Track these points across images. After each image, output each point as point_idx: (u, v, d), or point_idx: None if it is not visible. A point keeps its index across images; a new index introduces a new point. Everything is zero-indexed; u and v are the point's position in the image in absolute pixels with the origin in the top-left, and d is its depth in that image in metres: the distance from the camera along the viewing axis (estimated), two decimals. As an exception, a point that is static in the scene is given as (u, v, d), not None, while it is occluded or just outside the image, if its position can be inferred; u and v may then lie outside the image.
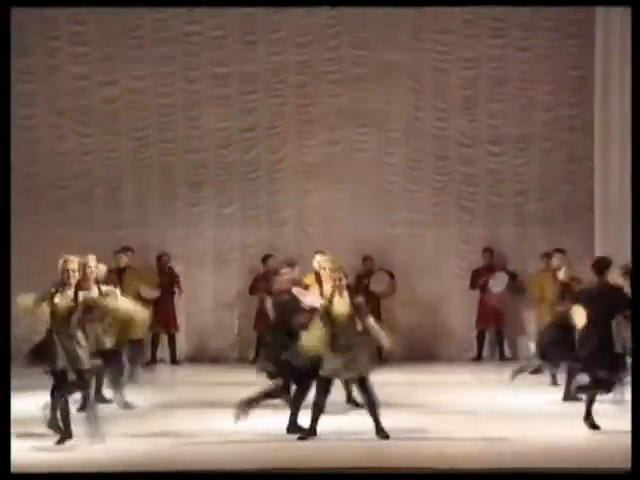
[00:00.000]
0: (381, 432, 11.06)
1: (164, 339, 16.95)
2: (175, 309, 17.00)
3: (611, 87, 16.79)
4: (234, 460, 10.36)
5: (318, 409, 11.01)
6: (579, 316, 11.62)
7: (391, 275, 16.38)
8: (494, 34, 17.47)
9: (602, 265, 11.75)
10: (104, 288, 11.87)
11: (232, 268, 17.52)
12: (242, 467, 10.03)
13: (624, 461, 9.86)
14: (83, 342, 10.85)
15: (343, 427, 11.77)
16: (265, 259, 16.70)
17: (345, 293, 11.05)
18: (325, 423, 11.43)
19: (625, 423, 10.91)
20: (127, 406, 12.75)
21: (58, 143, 17.54)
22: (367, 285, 16.02)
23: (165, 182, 17.62)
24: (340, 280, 11.04)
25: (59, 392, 10.83)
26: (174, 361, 16.89)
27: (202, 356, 17.37)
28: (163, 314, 16.39)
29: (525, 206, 17.68)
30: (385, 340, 11.00)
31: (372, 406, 11.05)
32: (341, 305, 11.02)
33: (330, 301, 11.06)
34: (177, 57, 17.49)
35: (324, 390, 11.03)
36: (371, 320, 11.04)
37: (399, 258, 17.16)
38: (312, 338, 11.21)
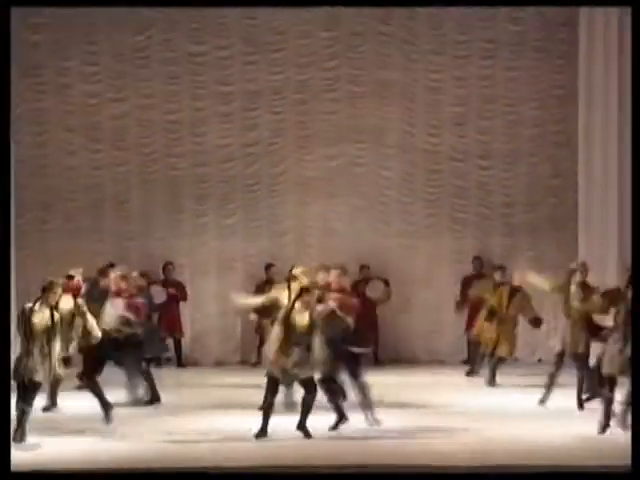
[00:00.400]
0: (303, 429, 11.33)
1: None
2: (180, 315, 17.03)
3: (594, 105, 16.94)
4: (234, 457, 10.48)
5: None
6: None
7: (386, 283, 16.60)
8: (484, 55, 17.47)
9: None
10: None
11: (235, 276, 17.45)
12: (241, 464, 10.15)
13: (608, 459, 10.12)
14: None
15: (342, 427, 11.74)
16: (267, 268, 16.83)
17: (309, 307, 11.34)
18: (319, 422, 11.51)
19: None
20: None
21: (69, 158, 17.49)
22: (364, 292, 16.15)
23: (171, 195, 17.63)
24: (307, 294, 11.37)
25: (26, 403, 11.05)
26: (180, 364, 16.87)
27: (206, 359, 17.38)
28: (169, 320, 16.48)
29: (513, 217, 17.68)
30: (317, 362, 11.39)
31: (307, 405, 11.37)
32: (301, 317, 11.27)
33: (290, 310, 11.30)
34: (183, 76, 17.47)
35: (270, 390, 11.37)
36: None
37: (394, 266, 17.20)
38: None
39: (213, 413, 12.90)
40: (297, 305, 11.34)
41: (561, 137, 17.50)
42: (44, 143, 17.47)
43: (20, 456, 10.22)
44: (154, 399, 13.34)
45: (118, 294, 12.93)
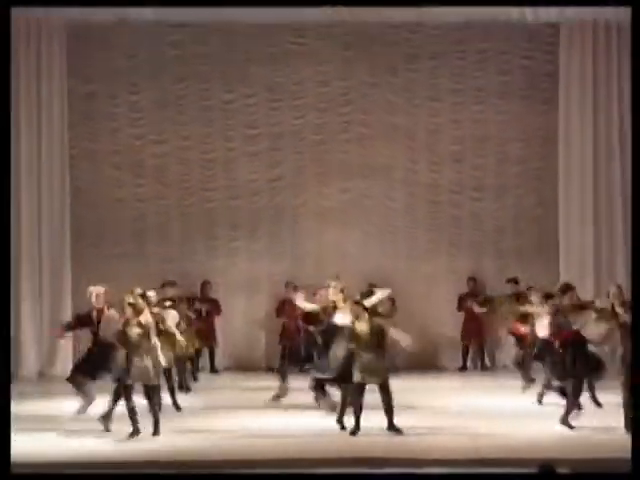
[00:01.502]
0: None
1: (204, 352, 16.71)
2: (215, 327, 16.96)
3: (572, 145, 17.05)
4: (260, 452, 10.60)
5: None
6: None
7: (392, 301, 16.53)
8: (476, 101, 17.43)
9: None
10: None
11: (261, 294, 17.45)
12: (267, 457, 10.31)
13: (592, 452, 10.25)
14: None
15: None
16: (287, 285, 16.77)
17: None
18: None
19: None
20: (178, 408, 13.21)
21: (117, 192, 17.41)
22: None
23: (206, 223, 17.51)
24: (356, 306, 11.65)
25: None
26: (213, 370, 16.91)
27: (236, 366, 17.30)
28: (206, 332, 16.37)
29: (502, 242, 17.57)
30: None
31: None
32: (360, 326, 11.53)
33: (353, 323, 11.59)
34: (216, 120, 17.39)
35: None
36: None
37: (399, 285, 16.48)
38: None
39: (242, 412, 13.01)
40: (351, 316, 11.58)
41: (544, 173, 17.43)
42: (96, 179, 17.40)
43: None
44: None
45: None
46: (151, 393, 11.28)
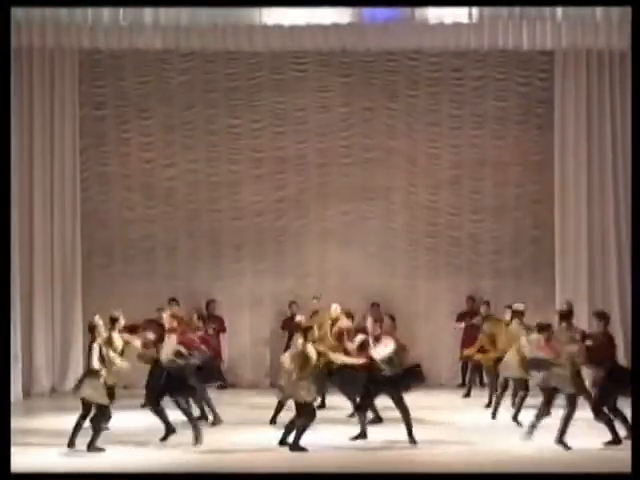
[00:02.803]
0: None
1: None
2: (221, 344, 16.88)
3: (567, 168, 17.00)
4: (264, 465, 10.72)
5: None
6: None
7: (392, 318, 16.41)
8: (474, 126, 17.51)
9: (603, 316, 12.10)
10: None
11: (265, 312, 17.50)
12: (271, 471, 10.39)
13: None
14: None
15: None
16: (290, 304, 17.00)
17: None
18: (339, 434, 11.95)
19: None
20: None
21: (127, 213, 17.55)
22: None
23: (213, 243, 17.58)
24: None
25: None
26: (219, 386, 16.36)
27: (241, 382, 17.35)
28: (213, 349, 15.51)
29: (500, 262, 17.61)
30: None
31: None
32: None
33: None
34: (222, 145, 17.51)
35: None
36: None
37: (399, 303, 17.02)
38: None
39: (248, 427, 13.10)
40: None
41: (540, 195, 17.48)
42: (107, 200, 17.56)
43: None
44: (216, 420, 13.28)
45: (172, 331, 12.84)
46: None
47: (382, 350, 11.89)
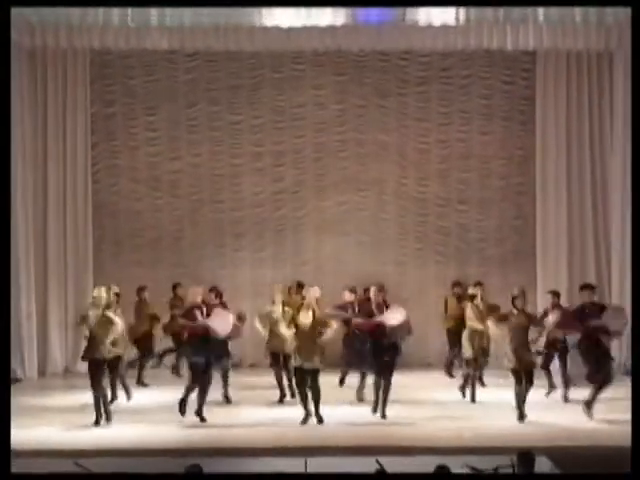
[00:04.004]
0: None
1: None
2: None
3: (548, 162, 17.18)
4: (261, 439, 11.03)
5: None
6: None
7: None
8: (461, 122, 17.58)
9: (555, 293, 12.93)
10: None
11: (265, 298, 16.78)
12: (266, 445, 10.67)
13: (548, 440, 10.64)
14: None
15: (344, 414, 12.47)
16: (298, 286, 16.61)
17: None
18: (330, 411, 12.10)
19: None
20: None
21: (136, 204, 17.63)
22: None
23: (215, 233, 17.66)
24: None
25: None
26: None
27: (243, 363, 17.32)
28: None
29: (485, 251, 17.70)
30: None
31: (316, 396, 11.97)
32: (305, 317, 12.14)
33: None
34: (225, 140, 17.57)
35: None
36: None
37: (390, 289, 14.56)
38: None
39: (251, 405, 13.45)
40: None
41: (523, 187, 17.58)
42: (117, 192, 17.64)
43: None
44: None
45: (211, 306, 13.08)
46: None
47: (393, 316, 12.20)
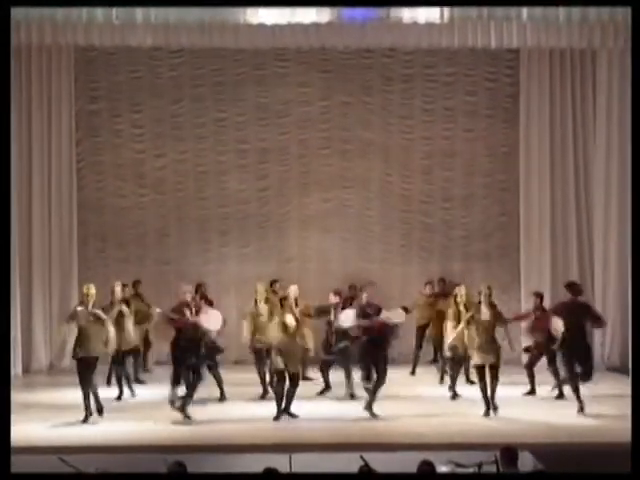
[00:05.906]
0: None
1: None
2: None
3: (531, 159, 17.19)
4: (246, 435, 11.03)
5: None
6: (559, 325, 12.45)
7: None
8: (445, 120, 17.61)
9: (576, 288, 12.71)
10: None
11: (250, 294, 16.81)
12: (251, 442, 10.65)
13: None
14: None
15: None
16: (272, 284, 16.59)
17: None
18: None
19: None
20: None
21: (120, 200, 17.61)
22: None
23: (200, 229, 17.68)
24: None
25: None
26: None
27: (227, 359, 16.59)
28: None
29: (469, 247, 17.75)
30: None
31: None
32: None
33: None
34: (209, 137, 17.55)
35: None
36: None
37: (375, 286, 16.63)
38: None
39: (234, 401, 13.41)
40: None
41: (506, 184, 17.63)
42: (102, 189, 17.62)
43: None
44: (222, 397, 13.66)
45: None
46: None
47: (395, 315, 12.34)
